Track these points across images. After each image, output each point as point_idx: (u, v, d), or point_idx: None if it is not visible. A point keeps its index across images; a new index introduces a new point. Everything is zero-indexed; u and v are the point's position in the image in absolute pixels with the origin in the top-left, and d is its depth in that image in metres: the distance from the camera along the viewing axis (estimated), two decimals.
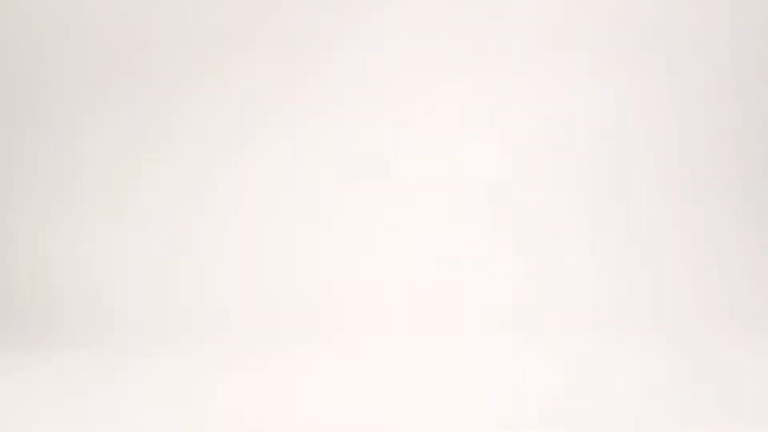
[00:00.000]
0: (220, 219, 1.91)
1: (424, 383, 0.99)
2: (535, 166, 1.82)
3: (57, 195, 1.87)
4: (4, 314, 1.61)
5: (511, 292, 1.65)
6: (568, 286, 1.65)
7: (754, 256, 1.66)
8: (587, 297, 1.64)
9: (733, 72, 1.73)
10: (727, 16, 1.74)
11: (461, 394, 0.94)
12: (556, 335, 1.32)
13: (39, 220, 1.85)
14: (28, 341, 1.36)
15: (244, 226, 1.90)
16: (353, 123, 1.95)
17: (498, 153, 1.84)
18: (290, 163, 1.95)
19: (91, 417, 0.83)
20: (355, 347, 1.28)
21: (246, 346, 1.25)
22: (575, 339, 1.29)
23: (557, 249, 1.72)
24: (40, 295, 1.62)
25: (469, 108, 1.88)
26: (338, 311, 1.44)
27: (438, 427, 0.78)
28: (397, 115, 1.91)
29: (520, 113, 1.84)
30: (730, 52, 1.73)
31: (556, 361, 1.11)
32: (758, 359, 1.14)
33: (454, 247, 1.74)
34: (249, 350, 1.21)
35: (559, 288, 1.65)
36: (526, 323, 1.47)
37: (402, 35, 1.93)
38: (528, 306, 1.60)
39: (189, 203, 1.93)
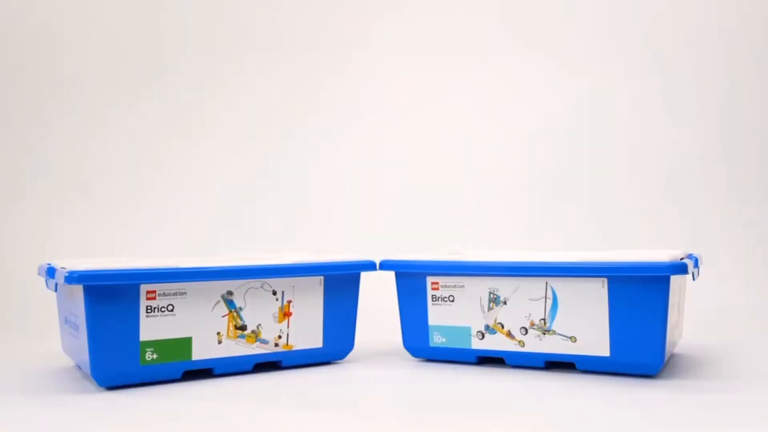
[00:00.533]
0: (242, 219, 1.92)
1: None
2: (535, 160, 1.83)
3: (67, 194, 1.88)
4: (5, 313, 1.62)
5: None
6: None
7: (742, 256, 1.66)
8: None
9: (730, 72, 1.74)
10: (722, 17, 1.74)
11: None
12: None
13: (48, 218, 1.86)
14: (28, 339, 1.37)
15: (268, 227, 1.91)
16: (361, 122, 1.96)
17: (500, 148, 1.84)
18: (308, 167, 1.96)
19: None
20: None
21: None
22: None
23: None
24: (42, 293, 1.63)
25: (473, 104, 1.88)
26: None
27: None
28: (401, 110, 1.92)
29: (521, 109, 1.84)
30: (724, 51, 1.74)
31: None
32: None
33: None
34: None
35: None
36: None
37: (407, 37, 1.94)
38: None
39: (209, 202, 1.94)
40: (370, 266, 1.13)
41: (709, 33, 1.71)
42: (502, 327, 1.06)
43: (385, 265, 1.14)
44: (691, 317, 1.39)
